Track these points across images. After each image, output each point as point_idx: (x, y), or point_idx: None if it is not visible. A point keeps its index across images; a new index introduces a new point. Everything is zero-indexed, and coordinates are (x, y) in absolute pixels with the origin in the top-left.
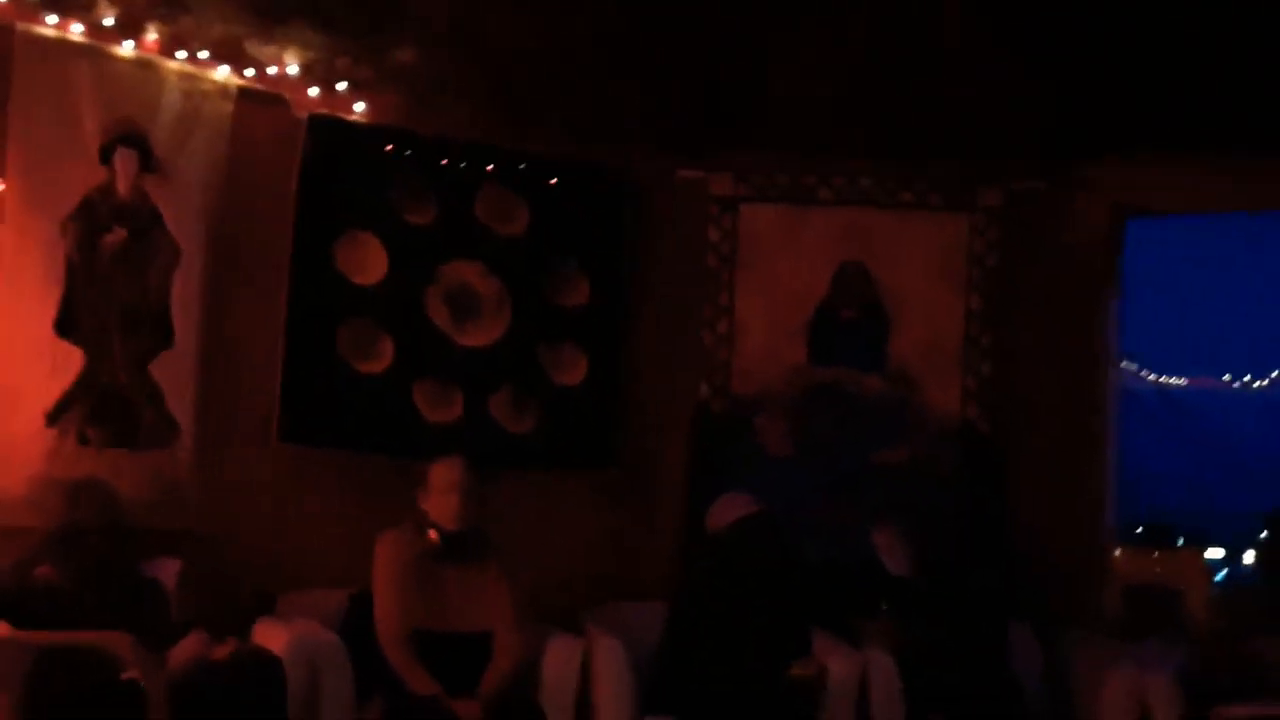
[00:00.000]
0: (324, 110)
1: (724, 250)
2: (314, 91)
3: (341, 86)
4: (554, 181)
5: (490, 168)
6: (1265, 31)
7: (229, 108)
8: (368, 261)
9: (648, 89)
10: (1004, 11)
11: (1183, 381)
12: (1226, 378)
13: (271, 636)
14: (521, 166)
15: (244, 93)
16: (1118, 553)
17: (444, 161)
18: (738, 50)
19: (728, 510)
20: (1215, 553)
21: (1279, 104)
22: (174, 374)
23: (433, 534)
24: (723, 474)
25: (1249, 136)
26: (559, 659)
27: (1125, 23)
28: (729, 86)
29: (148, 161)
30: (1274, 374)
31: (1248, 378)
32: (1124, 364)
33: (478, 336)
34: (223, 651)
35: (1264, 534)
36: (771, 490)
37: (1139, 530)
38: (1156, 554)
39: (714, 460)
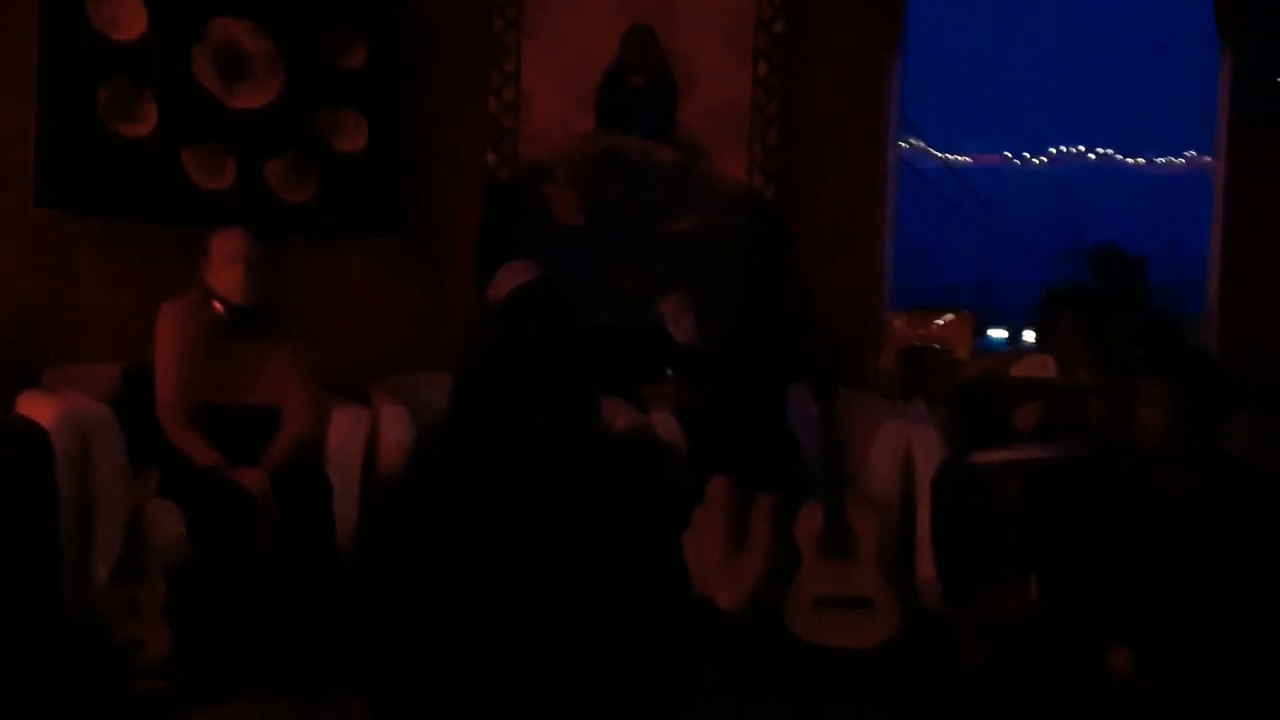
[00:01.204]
0: None
1: (509, 13)
2: None
3: None
4: None
5: None
6: None
7: None
8: (125, 16)
9: None
10: None
11: (968, 159)
12: (1008, 155)
13: (37, 408)
14: None
15: None
16: (895, 318)
17: None
18: None
19: (507, 278)
20: (999, 333)
21: None
22: None
23: (217, 306)
24: (512, 243)
25: None
26: (345, 429)
27: None
28: None
29: None
30: (1052, 150)
31: (1027, 154)
32: (912, 142)
33: (250, 99)
34: None
35: (1040, 311)
36: (560, 258)
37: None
38: (930, 319)
39: (502, 229)
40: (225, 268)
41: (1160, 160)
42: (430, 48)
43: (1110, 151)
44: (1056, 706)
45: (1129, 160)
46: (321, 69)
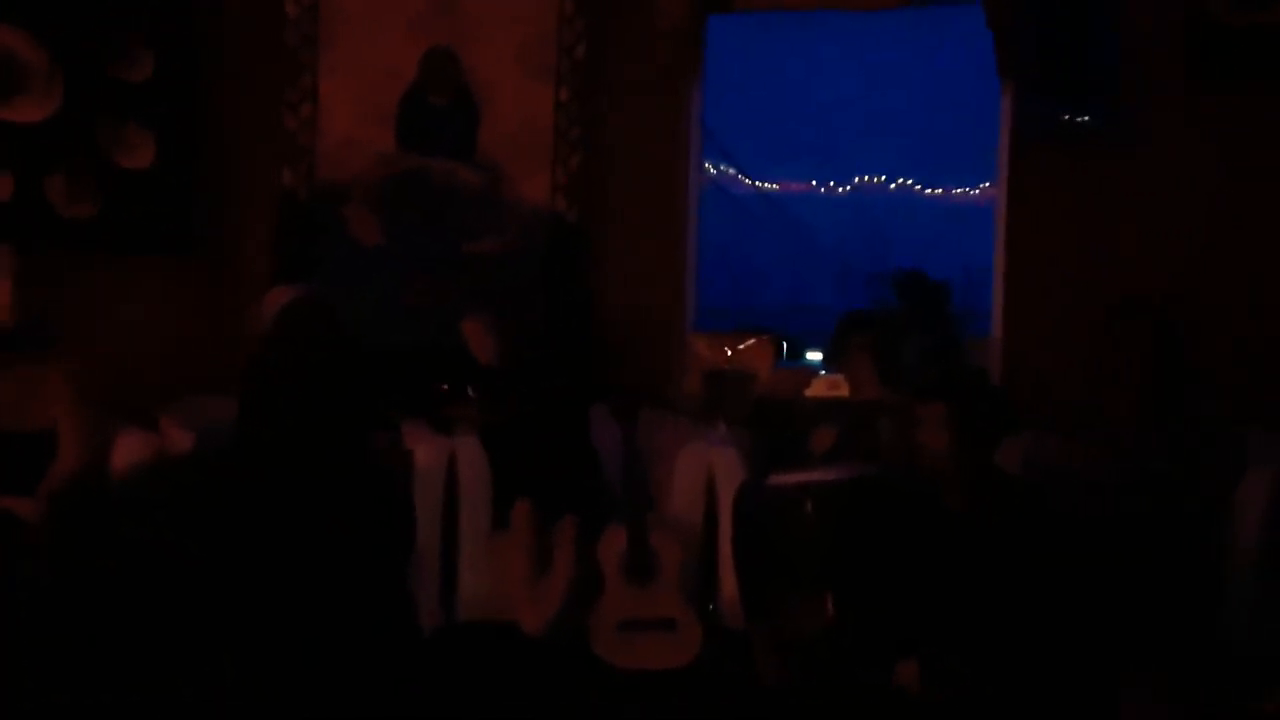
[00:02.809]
0: None
1: (304, 27)
2: None
3: None
4: None
5: None
6: None
7: None
8: None
9: None
10: None
11: (776, 186)
12: (815, 183)
13: None
14: None
15: None
16: (698, 341)
17: None
18: None
19: (274, 300)
20: (815, 355)
21: None
22: None
23: None
24: (308, 262)
25: None
26: (129, 453)
27: None
28: None
29: None
30: (856, 179)
31: (832, 183)
32: (723, 167)
33: (26, 112)
34: None
35: (833, 335)
36: (360, 279)
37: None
38: (732, 342)
39: (299, 249)
40: None
41: (956, 190)
42: (223, 62)
43: (909, 181)
44: (849, 714)
45: (927, 190)
46: (104, 82)
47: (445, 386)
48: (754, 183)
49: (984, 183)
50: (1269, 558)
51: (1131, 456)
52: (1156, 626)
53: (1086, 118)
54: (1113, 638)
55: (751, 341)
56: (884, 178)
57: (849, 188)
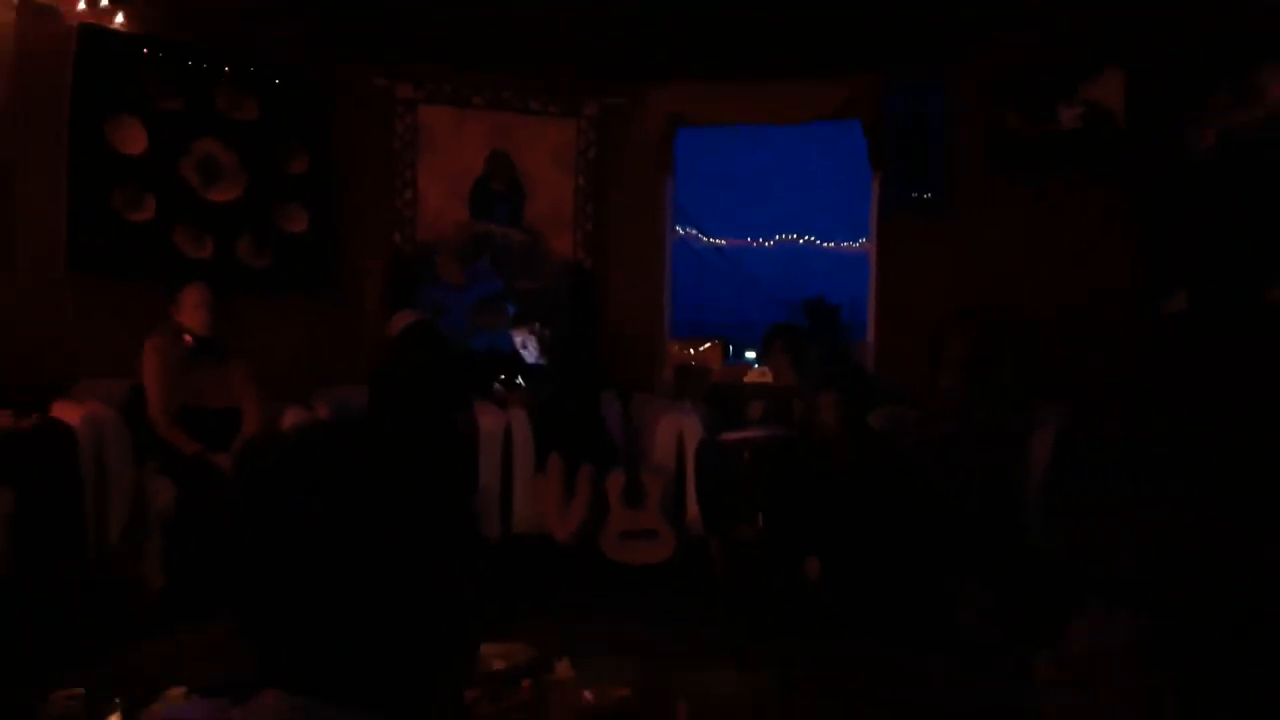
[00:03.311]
0: (91, 20)
1: (407, 139)
2: (82, 5)
3: (104, 2)
4: (278, 82)
5: (226, 69)
6: None
7: (11, 16)
8: (131, 138)
9: (346, 12)
10: None
11: (723, 242)
12: (748, 239)
13: (67, 413)
14: (251, 69)
15: (23, 4)
16: (672, 345)
17: (189, 62)
18: None
19: (399, 321)
20: (751, 354)
21: (786, 45)
22: None
23: (187, 338)
24: (410, 296)
25: (766, 69)
26: (292, 423)
27: None
28: (411, 14)
29: None
30: (778, 236)
31: (761, 239)
32: (688, 229)
33: (223, 194)
34: (27, 423)
35: (763, 341)
36: (445, 306)
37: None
38: (695, 345)
39: (404, 286)
40: (194, 311)
41: (845, 244)
42: (354, 160)
43: (814, 238)
44: (774, 597)
45: (826, 244)
46: (275, 173)
47: (503, 377)
48: (709, 239)
49: (862, 238)
50: (1050, 488)
51: (959, 418)
52: (977, 530)
53: (928, 195)
54: (950, 539)
55: (707, 345)
56: (797, 235)
57: (774, 242)
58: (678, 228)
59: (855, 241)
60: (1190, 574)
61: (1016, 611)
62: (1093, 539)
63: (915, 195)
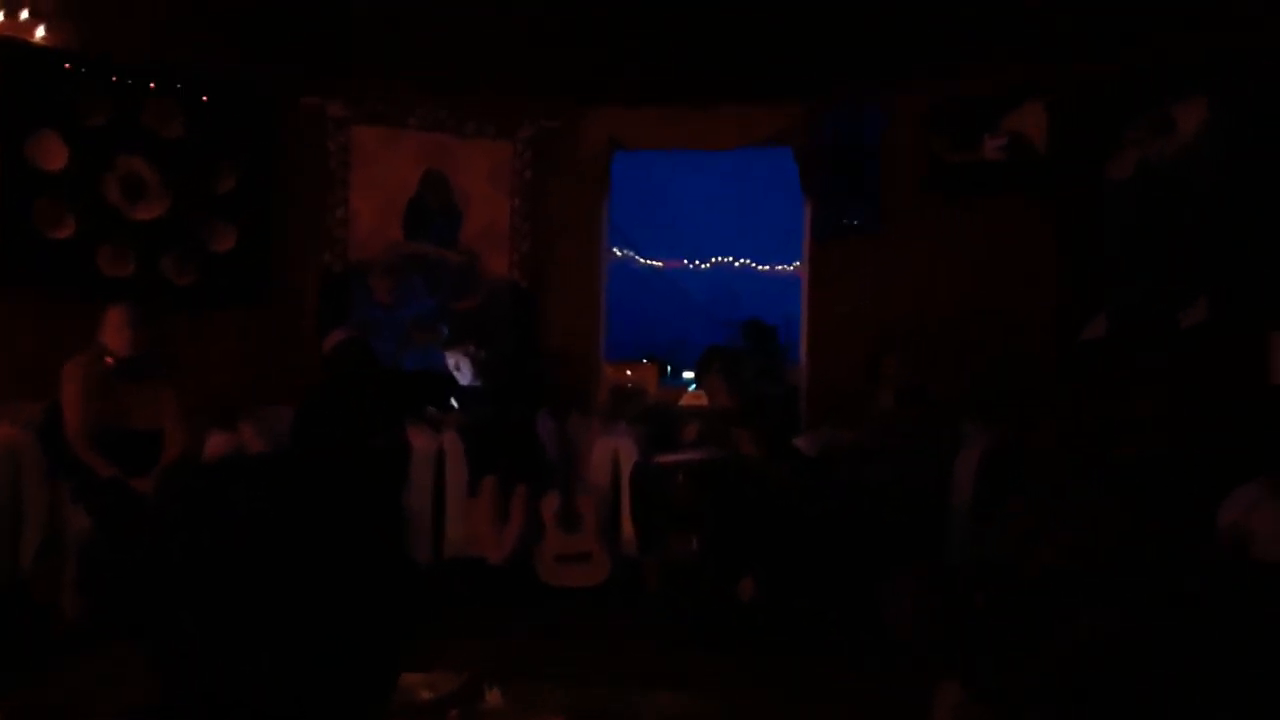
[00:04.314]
0: (10, 34)
1: (339, 157)
2: (1, 18)
3: (24, 15)
4: (205, 98)
5: (152, 86)
6: (710, 16)
7: None
8: (51, 153)
9: (278, 29)
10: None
11: (660, 263)
12: (685, 261)
13: None
14: (179, 86)
15: None
16: (608, 366)
17: (113, 78)
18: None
19: (332, 338)
20: (689, 374)
21: (722, 73)
22: None
23: (109, 359)
24: (343, 315)
25: (702, 96)
26: (216, 447)
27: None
28: (345, 33)
29: None
30: (712, 259)
31: (697, 261)
32: (626, 251)
33: (147, 212)
34: None
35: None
36: (377, 325)
37: (644, 360)
38: (630, 367)
39: (336, 305)
40: (117, 331)
41: (779, 267)
42: (285, 179)
43: (749, 261)
44: (710, 617)
45: (761, 266)
46: (202, 190)
47: (437, 399)
48: (647, 261)
49: (796, 261)
50: (975, 504)
51: (891, 435)
52: (906, 545)
53: (858, 221)
54: (880, 553)
55: (642, 366)
56: (733, 258)
57: (710, 264)
58: (615, 249)
59: (790, 264)
60: (1105, 587)
61: (943, 621)
62: (1015, 550)
63: (847, 221)
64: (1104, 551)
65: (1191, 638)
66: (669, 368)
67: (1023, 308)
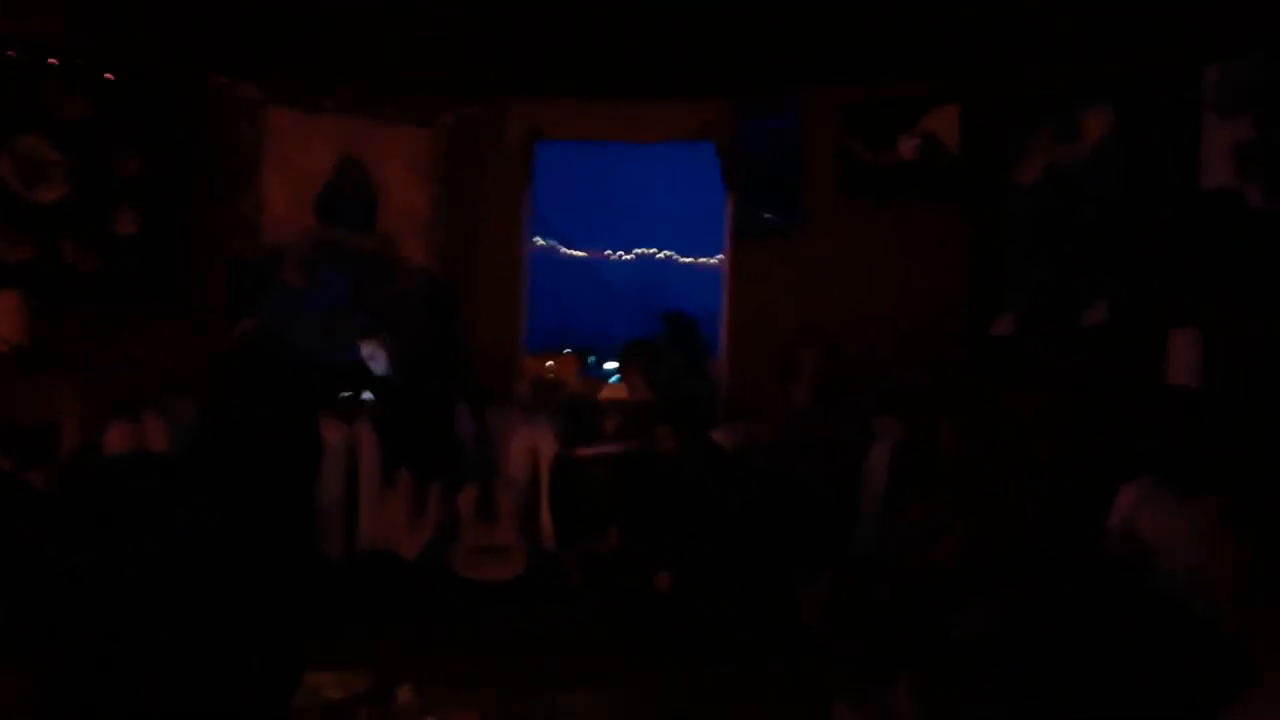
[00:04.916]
0: None
1: (252, 140)
2: None
3: None
4: (111, 79)
5: (52, 64)
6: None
7: None
8: None
9: (191, 9)
10: None
11: (584, 253)
12: (608, 252)
13: None
14: (81, 66)
15: None
16: (527, 358)
17: (9, 54)
18: None
19: (240, 327)
20: (611, 365)
21: (645, 67)
22: None
23: (2, 347)
24: (255, 301)
25: (625, 88)
26: (117, 440)
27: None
28: (258, 14)
29: None
30: (636, 250)
31: (620, 252)
32: (550, 241)
33: (46, 194)
34: None
35: (620, 354)
36: (291, 313)
37: (566, 350)
38: (551, 359)
39: (248, 293)
40: (9, 318)
41: (702, 259)
42: (194, 162)
43: (671, 252)
44: (628, 610)
45: (684, 259)
46: (106, 174)
47: (350, 390)
48: (569, 250)
49: (719, 254)
50: (887, 498)
51: (806, 430)
52: (818, 539)
53: (778, 219)
54: (796, 546)
55: (563, 358)
56: (656, 249)
57: (633, 255)
58: (539, 238)
59: (713, 257)
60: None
61: (855, 613)
62: (923, 544)
63: (768, 217)
64: (1000, 546)
65: (1077, 627)
66: (591, 358)
67: (937, 305)
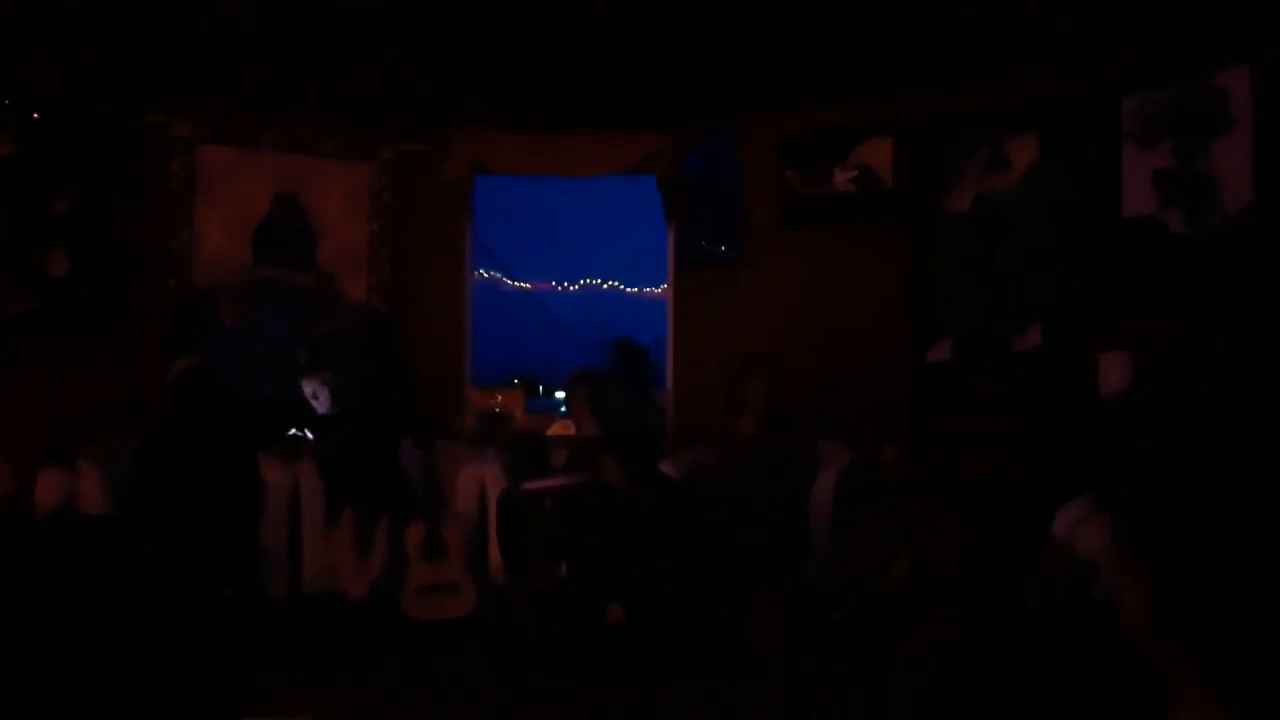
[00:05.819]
0: None
1: (184, 178)
2: None
3: None
4: (37, 116)
5: None
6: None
7: None
8: None
9: (122, 47)
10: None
11: (530, 285)
12: (554, 283)
13: None
14: (6, 102)
15: None
16: (473, 392)
17: None
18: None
19: (176, 367)
20: (561, 394)
21: (585, 100)
22: None
23: None
24: (190, 341)
25: (566, 122)
26: (48, 487)
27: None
28: (190, 49)
29: None
30: (581, 281)
31: (566, 283)
32: (494, 273)
33: None
34: None
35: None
36: (226, 352)
37: (515, 380)
38: (497, 393)
39: (185, 332)
40: None
41: (647, 289)
42: (125, 201)
43: (617, 283)
44: (579, 642)
45: (629, 289)
46: (33, 212)
47: (291, 429)
48: (515, 282)
49: (663, 284)
50: (834, 522)
51: (752, 457)
52: (769, 564)
53: (720, 248)
54: (745, 573)
55: (510, 391)
56: (600, 280)
57: (579, 286)
58: (483, 271)
59: (658, 287)
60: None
61: (807, 635)
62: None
63: (709, 248)
64: (946, 567)
65: (1024, 644)
66: (540, 389)
67: (877, 333)
